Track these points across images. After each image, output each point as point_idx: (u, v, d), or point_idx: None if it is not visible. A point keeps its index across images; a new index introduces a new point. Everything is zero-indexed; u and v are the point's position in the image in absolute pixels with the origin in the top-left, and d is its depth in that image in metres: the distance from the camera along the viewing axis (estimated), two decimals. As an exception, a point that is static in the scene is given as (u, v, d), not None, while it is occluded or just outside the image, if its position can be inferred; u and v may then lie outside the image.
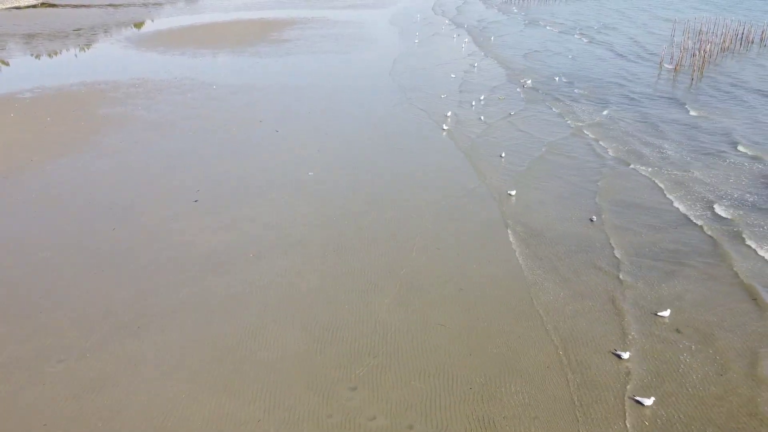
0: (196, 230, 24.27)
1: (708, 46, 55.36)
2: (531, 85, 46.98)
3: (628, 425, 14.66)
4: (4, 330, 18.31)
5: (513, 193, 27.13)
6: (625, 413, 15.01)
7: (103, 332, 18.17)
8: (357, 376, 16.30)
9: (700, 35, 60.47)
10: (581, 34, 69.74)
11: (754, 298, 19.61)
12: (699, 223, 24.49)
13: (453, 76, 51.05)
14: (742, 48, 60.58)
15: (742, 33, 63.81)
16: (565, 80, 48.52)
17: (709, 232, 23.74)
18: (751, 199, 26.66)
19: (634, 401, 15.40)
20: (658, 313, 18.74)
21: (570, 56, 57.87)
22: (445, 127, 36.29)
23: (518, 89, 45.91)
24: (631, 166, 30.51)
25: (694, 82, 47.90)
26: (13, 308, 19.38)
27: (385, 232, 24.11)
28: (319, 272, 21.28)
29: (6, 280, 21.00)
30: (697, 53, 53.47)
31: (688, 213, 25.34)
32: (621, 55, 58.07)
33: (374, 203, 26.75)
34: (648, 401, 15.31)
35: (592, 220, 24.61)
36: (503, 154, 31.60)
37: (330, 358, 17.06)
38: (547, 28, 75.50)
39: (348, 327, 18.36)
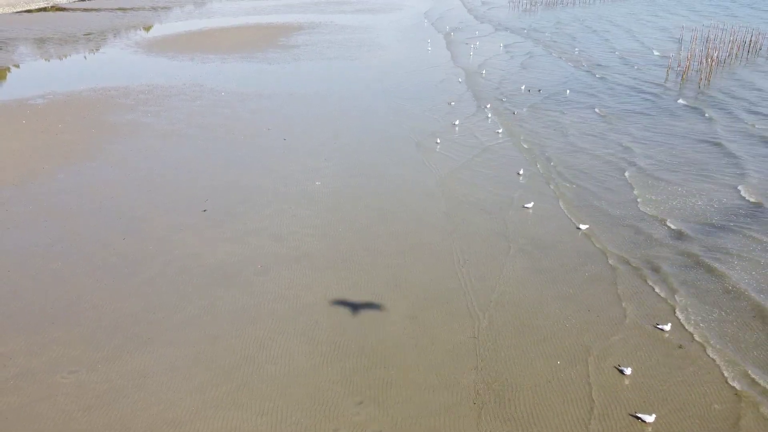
0: (203, 241, 24.61)
1: (716, 53, 55.43)
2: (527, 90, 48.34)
3: None
4: (16, 342, 18.68)
5: (530, 206, 27.42)
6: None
7: (114, 344, 18.51)
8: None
9: (708, 43, 60.42)
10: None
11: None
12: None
13: (460, 80, 51.74)
14: (750, 55, 60.65)
15: (750, 41, 63.83)
16: (571, 92, 48.84)
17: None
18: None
19: (635, 418, 15.61)
20: (658, 326, 19.10)
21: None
22: (437, 141, 36.12)
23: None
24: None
25: (701, 87, 48.04)
26: (25, 320, 19.75)
27: (392, 244, 24.36)
28: (326, 285, 21.55)
29: (18, 291, 21.38)
30: (704, 60, 53.55)
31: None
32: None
33: (381, 214, 27.01)
34: (650, 418, 15.51)
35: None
36: (521, 172, 31.51)
37: (336, 372, 17.32)
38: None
39: (355, 341, 18.62)
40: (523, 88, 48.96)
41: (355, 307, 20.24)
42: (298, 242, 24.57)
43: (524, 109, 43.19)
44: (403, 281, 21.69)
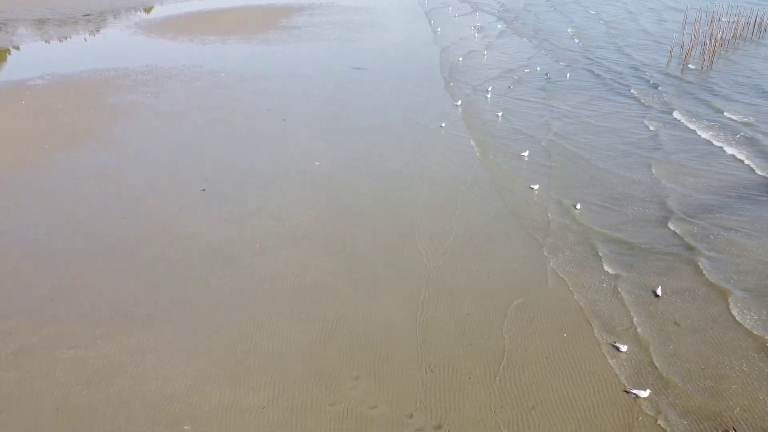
0: (203, 222, 24.64)
1: (720, 34, 54.99)
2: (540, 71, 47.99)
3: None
4: (17, 319, 18.82)
5: (536, 188, 27.38)
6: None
7: (113, 322, 18.63)
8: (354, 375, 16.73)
9: (712, 23, 59.93)
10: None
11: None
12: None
13: (460, 59, 51.72)
14: (754, 37, 60.15)
15: (755, 21, 63.30)
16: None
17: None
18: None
19: (629, 393, 15.73)
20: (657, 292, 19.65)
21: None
22: (442, 125, 35.76)
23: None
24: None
25: (704, 71, 47.84)
26: (25, 298, 19.87)
27: (390, 225, 24.37)
28: (324, 265, 21.61)
29: (18, 270, 21.47)
30: (708, 42, 53.18)
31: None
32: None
33: (379, 195, 26.99)
34: (644, 393, 15.62)
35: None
36: (526, 154, 31.28)
37: (333, 349, 17.44)
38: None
39: (351, 319, 18.72)
40: (539, 69, 48.85)
41: (352, 286, 20.31)
42: (297, 222, 24.60)
43: (522, 89, 43.13)
44: (402, 262, 21.73)
